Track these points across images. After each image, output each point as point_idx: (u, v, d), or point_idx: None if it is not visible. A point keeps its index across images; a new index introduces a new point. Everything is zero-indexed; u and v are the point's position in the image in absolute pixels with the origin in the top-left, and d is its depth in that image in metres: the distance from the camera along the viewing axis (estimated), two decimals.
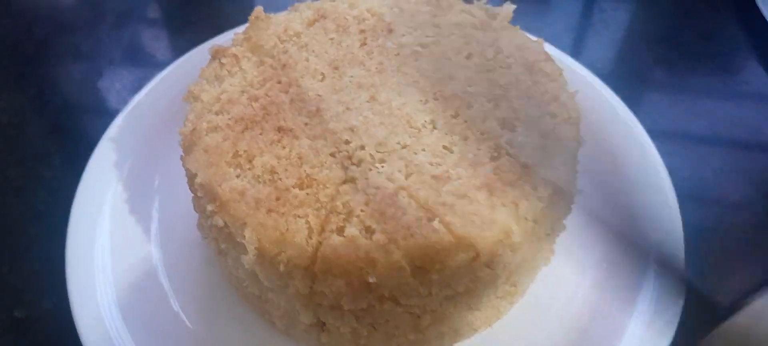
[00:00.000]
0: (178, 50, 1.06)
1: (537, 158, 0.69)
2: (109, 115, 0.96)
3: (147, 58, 1.27)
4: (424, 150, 0.70)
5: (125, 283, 0.81)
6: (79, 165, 0.90)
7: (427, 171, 0.68)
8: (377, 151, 0.70)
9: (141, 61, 1.27)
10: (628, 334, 0.77)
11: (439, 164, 0.68)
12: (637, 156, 0.91)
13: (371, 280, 0.62)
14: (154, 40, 1.32)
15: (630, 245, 0.84)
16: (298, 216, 0.65)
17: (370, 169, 0.69)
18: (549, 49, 0.96)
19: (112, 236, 0.85)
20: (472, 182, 0.66)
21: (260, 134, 0.72)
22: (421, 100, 0.75)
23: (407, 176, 0.68)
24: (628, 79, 1.24)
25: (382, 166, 0.69)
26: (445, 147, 0.70)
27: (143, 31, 1.34)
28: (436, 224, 0.63)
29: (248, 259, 0.65)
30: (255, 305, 0.78)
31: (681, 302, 0.77)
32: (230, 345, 0.79)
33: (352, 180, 0.68)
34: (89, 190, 0.87)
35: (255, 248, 0.64)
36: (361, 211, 0.65)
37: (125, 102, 0.99)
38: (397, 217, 0.64)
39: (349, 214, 0.65)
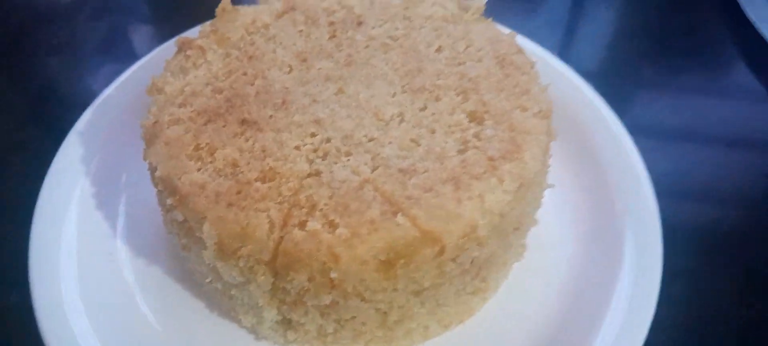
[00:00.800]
0: (157, 43, 1.03)
1: (504, 152, 0.67)
2: (80, 108, 0.94)
3: (124, 51, 1.25)
4: (391, 143, 0.69)
5: (91, 278, 0.79)
6: (48, 157, 0.88)
7: (394, 164, 0.66)
8: (343, 145, 0.69)
9: (117, 54, 1.25)
10: (602, 332, 0.75)
11: (406, 157, 0.67)
12: (613, 150, 0.90)
13: (334, 275, 0.61)
14: (133, 33, 1.30)
15: (605, 241, 0.82)
16: (260, 210, 0.63)
17: (336, 163, 0.67)
18: (526, 43, 0.96)
19: (79, 231, 0.83)
20: (439, 176, 0.65)
21: (223, 127, 0.70)
22: (389, 93, 0.74)
23: (373, 169, 0.66)
24: (614, 76, 1.23)
25: (348, 160, 0.67)
26: (412, 140, 0.69)
27: (122, 23, 1.32)
28: (400, 218, 0.61)
29: (208, 254, 0.64)
30: (221, 302, 0.77)
31: (654, 299, 0.76)
32: (195, 343, 0.77)
33: (316, 173, 0.67)
34: (55, 184, 0.85)
35: (214, 243, 0.63)
36: (325, 205, 0.64)
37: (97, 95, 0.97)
38: (362, 211, 0.63)
39: (313, 208, 0.64)
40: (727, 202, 1.03)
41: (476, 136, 0.69)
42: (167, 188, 0.67)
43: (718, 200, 1.03)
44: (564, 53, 1.19)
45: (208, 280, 0.71)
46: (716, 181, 1.06)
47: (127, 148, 0.88)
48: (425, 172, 0.65)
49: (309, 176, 0.67)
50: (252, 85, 0.75)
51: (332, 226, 0.62)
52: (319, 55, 0.78)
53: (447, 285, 0.67)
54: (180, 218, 0.66)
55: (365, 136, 0.69)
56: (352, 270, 0.60)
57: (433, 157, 0.67)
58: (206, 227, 0.63)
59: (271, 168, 0.66)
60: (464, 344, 0.78)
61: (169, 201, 0.66)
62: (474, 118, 0.71)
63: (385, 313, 0.67)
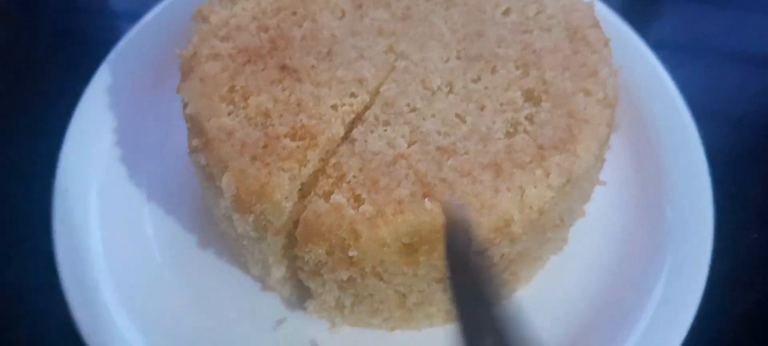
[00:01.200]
0: None
1: (557, 141, 0.61)
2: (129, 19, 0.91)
3: None
4: (433, 116, 0.63)
5: (112, 227, 0.77)
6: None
7: (433, 141, 0.61)
8: (383, 112, 0.64)
9: None
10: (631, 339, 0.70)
11: (448, 135, 0.62)
12: (680, 152, 0.81)
13: (352, 253, 0.57)
14: None
15: (649, 251, 0.76)
16: (283, 169, 0.60)
17: (372, 132, 0.63)
18: (604, 12, 0.88)
19: (107, 167, 0.81)
20: (480, 159, 0.60)
21: (262, 70, 0.66)
22: (442, 58, 0.68)
23: (410, 144, 0.61)
24: None
25: (385, 130, 0.63)
26: (457, 115, 0.63)
27: None
28: (428, 203, 0.57)
29: (224, 204, 0.61)
30: (233, 247, 0.75)
31: (693, 313, 0.70)
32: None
33: (350, 140, 0.62)
34: (86, 116, 0.82)
35: (232, 195, 0.60)
36: (353, 176, 0.60)
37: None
38: (390, 188, 0.58)
39: (340, 178, 0.60)
40: (736, 122, 0.99)
41: (529, 118, 0.63)
42: (195, 128, 0.64)
43: (728, 119, 1.00)
44: None
45: (223, 225, 0.68)
46: (727, 98, 1.02)
47: (165, 76, 0.83)
48: (465, 153, 0.60)
49: (342, 141, 0.63)
50: (300, 26, 0.70)
51: (358, 201, 0.58)
52: (376, 3, 0.73)
53: None
54: (203, 161, 0.63)
55: (408, 105, 0.64)
56: (371, 250, 0.57)
57: (477, 137, 0.61)
58: (226, 177, 0.60)
59: (303, 125, 0.62)
60: None
61: (194, 142, 0.64)
62: (530, 97, 0.65)
63: (404, 295, 0.64)
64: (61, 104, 0.83)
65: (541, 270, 0.76)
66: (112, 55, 0.86)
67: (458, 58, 0.68)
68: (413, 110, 0.64)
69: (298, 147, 0.61)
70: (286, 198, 0.59)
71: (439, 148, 0.60)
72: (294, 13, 0.71)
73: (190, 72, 0.67)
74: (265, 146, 0.61)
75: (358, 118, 0.65)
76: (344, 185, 0.59)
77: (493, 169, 0.59)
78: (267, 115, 0.63)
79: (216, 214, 0.70)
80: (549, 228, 0.63)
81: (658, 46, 0.90)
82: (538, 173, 0.59)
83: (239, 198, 0.59)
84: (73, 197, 0.76)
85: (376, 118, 0.64)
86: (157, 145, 0.83)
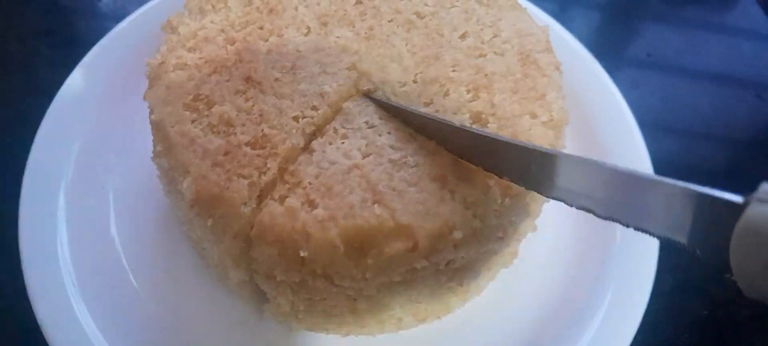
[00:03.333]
0: None
1: None
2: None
3: None
4: (389, 133, 0.67)
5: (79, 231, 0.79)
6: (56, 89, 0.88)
7: (387, 154, 0.65)
8: (342, 126, 0.68)
9: None
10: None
11: (400, 149, 0.66)
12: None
13: (303, 254, 0.61)
14: None
15: (597, 262, 0.80)
16: (242, 176, 0.63)
17: (331, 143, 0.66)
18: (562, 34, 0.92)
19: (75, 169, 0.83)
20: (428, 171, 0.64)
21: (227, 81, 0.69)
22: (399, 81, 0.72)
23: (365, 156, 0.65)
24: (625, 8, 1.27)
25: (343, 143, 0.66)
26: (410, 134, 0.67)
27: None
28: (377, 208, 0.61)
29: (184, 208, 0.64)
30: (194, 248, 0.78)
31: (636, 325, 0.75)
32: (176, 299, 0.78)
33: (309, 150, 0.66)
34: (56, 118, 0.85)
35: (192, 199, 0.63)
36: (309, 183, 0.63)
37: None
38: (343, 195, 0.62)
39: (297, 184, 0.63)
40: (715, 139, 1.06)
41: None
42: (159, 134, 0.67)
43: (706, 136, 1.07)
44: None
45: (185, 227, 0.71)
46: (707, 117, 1.09)
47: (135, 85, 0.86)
48: (415, 166, 0.64)
49: (302, 151, 0.66)
50: (266, 41, 0.73)
51: (311, 205, 0.62)
52: (340, 22, 0.76)
53: (420, 283, 0.66)
54: (166, 165, 0.66)
55: (366, 122, 0.68)
56: (322, 252, 0.60)
57: (427, 152, 0.65)
58: (187, 181, 0.63)
59: (264, 134, 0.65)
60: (440, 339, 0.77)
61: (158, 147, 0.67)
62: (478, 119, 0.69)
63: (354, 300, 0.67)
64: (33, 105, 0.85)
65: (492, 283, 0.80)
66: (87, 59, 0.89)
67: (415, 81, 0.71)
68: (371, 127, 0.67)
69: (258, 155, 0.64)
70: (245, 204, 0.62)
71: (391, 161, 0.64)
72: (261, 28, 0.74)
73: (158, 80, 0.70)
74: (226, 153, 0.64)
75: (319, 131, 0.68)
76: (300, 190, 0.63)
77: (440, 181, 0.63)
78: (230, 123, 0.66)
79: (179, 216, 0.73)
80: (492, 239, 0.67)
81: (623, 64, 0.94)
82: (481, 185, 0.63)
83: (199, 202, 0.62)
84: (40, 197, 0.78)
85: (336, 131, 0.67)
86: (126, 149, 0.85)
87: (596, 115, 0.92)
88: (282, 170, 0.65)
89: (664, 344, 0.84)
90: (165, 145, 0.66)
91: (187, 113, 0.67)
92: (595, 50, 0.98)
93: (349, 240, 0.60)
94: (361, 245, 0.61)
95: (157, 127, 0.67)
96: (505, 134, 0.67)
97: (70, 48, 1.04)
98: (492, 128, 0.67)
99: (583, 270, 0.81)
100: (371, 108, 0.70)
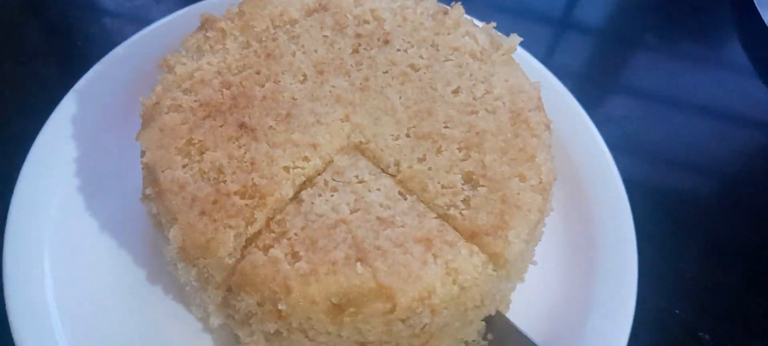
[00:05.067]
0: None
1: (489, 227, 0.66)
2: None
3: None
4: (378, 190, 0.68)
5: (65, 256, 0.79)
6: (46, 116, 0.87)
7: (375, 211, 0.66)
8: (332, 179, 0.68)
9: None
10: None
11: (389, 208, 0.66)
12: (611, 228, 0.87)
13: (282, 307, 0.61)
14: None
15: (574, 325, 0.81)
16: (229, 226, 0.63)
17: (320, 195, 0.67)
18: (554, 85, 0.93)
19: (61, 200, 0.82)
20: (414, 233, 0.64)
21: (221, 127, 0.70)
22: (392, 135, 0.72)
23: (353, 212, 0.66)
24: (618, 40, 1.31)
25: (332, 195, 0.67)
26: (400, 193, 0.68)
27: None
28: (360, 266, 0.61)
29: (171, 253, 0.64)
30: (178, 287, 0.78)
31: None
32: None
33: (298, 200, 0.66)
34: (46, 146, 0.84)
35: (178, 246, 0.63)
36: (295, 234, 0.64)
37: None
38: (327, 249, 0.62)
39: (282, 234, 0.64)
40: (699, 172, 1.10)
41: (466, 201, 0.68)
42: (150, 177, 0.67)
43: (692, 168, 1.10)
44: (571, 12, 1.31)
45: (170, 267, 0.71)
46: (694, 150, 1.12)
47: (128, 114, 0.86)
48: (402, 226, 0.65)
49: (291, 200, 0.66)
50: (262, 86, 0.74)
51: (295, 257, 0.62)
52: (336, 71, 0.77)
53: (393, 344, 0.66)
54: (154, 210, 0.66)
55: (356, 176, 0.69)
56: (300, 306, 0.60)
57: (415, 213, 0.66)
58: (174, 230, 0.63)
59: (254, 184, 0.66)
60: None
61: (148, 190, 0.67)
62: (469, 180, 0.69)
63: None
64: (26, 127, 0.85)
65: None
66: (79, 84, 0.89)
67: (408, 136, 0.72)
68: (361, 182, 0.68)
69: (247, 205, 0.65)
70: (229, 255, 0.62)
71: (378, 219, 0.65)
72: (258, 73, 0.75)
73: (151, 121, 0.70)
74: (214, 202, 0.64)
75: (309, 182, 0.69)
76: (285, 240, 0.63)
77: (425, 244, 0.63)
78: (220, 171, 0.66)
79: (165, 255, 0.73)
80: (470, 307, 0.66)
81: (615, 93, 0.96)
82: (464, 252, 0.64)
83: (185, 251, 0.63)
84: (26, 225, 0.77)
85: (326, 183, 0.68)
86: (115, 178, 0.85)
87: (583, 168, 0.93)
88: (269, 219, 0.65)
89: None
90: (155, 190, 0.66)
91: (179, 158, 0.67)
92: (587, 81, 1.00)
93: (329, 297, 0.61)
94: (340, 303, 0.61)
95: (148, 170, 0.68)
96: (495, 197, 0.67)
97: (67, 69, 1.05)
98: (483, 191, 0.68)
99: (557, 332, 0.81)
100: (362, 162, 0.70)
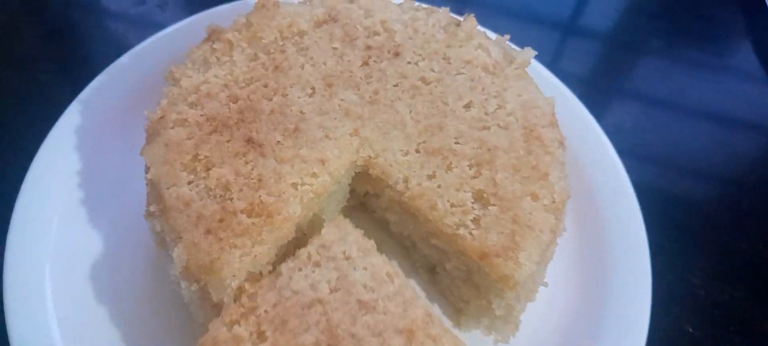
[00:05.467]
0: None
1: (500, 248, 0.64)
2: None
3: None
4: (365, 269, 0.63)
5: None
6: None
7: (356, 293, 0.61)
8: (317, 253, 0.64)
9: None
10: None
11: (373, 290, 0.62)
12: (625, 246, 0.84)
13: None
14: None
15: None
16: (235, 246, 0.62)
17: (300, 269, 0.62)
18: (567, 98, 0.92)
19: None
20: (396, 322, 0.60)
21: (228, 142, 0.68)
22: (402, 150, 0.71)
23: (332, 291, 0.61)
24: (626, 45, 1.28)
25: (314, 271, 0.63)
26: (387, 275, 0.64)
27: None
28: None
29: (174, 272, 0.63)
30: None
31: None
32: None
33: (276, 273, 0.62)
34: (48, 157, 0.83)
35: (182, 267, 0.62)
36: (265, 311, 0.59)
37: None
38: (297, 332, 0.58)
39: (252, 309, 0.60)
40: (708, 180, 1.08)
41: (476, 221, 0.66)
42: (154, 193, 0.66)
43: (700, 176, 1.08)
44: (579, 17, 1.29)
45: (173, 284, 0.70)
46: (700, 155, 1.10)
47: (132, 125, 0.84)
48: (384, 313, 0.60)
49: (268, 274, 0.63)
50: (269, 100, 0.72)
51: (260, 337, 0.58)
52: (346, 84, 0.75)
53: None
54: (158, 227, 0.65)
55: (343, 252, 0.64)
56: None
57: (401, 299, 0.61)
58: (179, 249, 0.62)
59: (261, 202, 0.64)
60: None
61: (152, 207, 0.66)
62: (480, 198, 0.68)
63: None
64: (27, 135, 0.84)
65: None
66: (83, 95, 0.88)
67: (417, 151, 0.71)
68: (347, 259, 0.64)
69: (254, 224, 0.63)
70: (234, 276, 0.61)
71: (359, 302, 0.61)
72: (265, 86, 0.73)
73: (156, 135, 0.69)
74: (220, 220, 0.63)
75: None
76: (253, 317, 0.59)
77: (406, 335, 0.59)
78: (227, 188, 0.65)
79: (169, 272, 0.71)
80: None
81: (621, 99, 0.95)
82: None
83: (188, 270, 0.61)
84: (28, 237, 0.76)
85: (309, 257, 0.64)
86: (119, 191, 0.83)
87: (596, 183, 0.91)
88: (240, 291, 0.62)
89: None
90: (159, 207, 0.65)
91: (184, 175, 0.66)
92: (593, 86, 0.98)
93: None
94: None
95: (153, 187, 0.66)
96: (506, 217, 0.66)
97: (69, 76, 1.03)
98: (494, 210, 0.66)
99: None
100: (352, 237, 0.66)
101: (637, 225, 0.85)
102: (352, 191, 0.79)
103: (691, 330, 0.90)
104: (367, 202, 0.82)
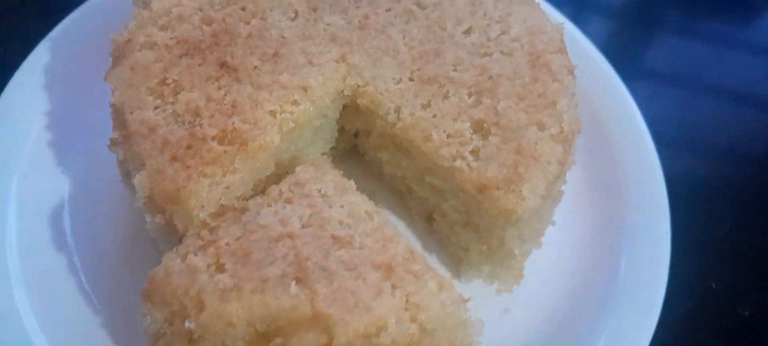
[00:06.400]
0: None
1: (501, 180, 0.57)
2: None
3: None
4: (342, 207, 0.57)
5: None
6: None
7: (330, 229, 0.54)
8: (290, 190, 0.58)
9: None
10: None
11: (349, 227, 0.55)
12: (641, 187, 0.78)
13: (189, 325, 0.50)
14: None
15: (602, 288, 0.72)
16: (204, 175, 0.55)
17: (269, 206, 0.56)
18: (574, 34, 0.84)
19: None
20: (373, 257, 0.53)
21: (199, 66, 0.62)
22: (393, 78, 0.64)
23: (304, 226, 0.54)
24: (641, 18, 1.18)
25: (284, 207, 0.56)
26: (366, 212, 0.57)
27: None
28: (295, 287, 0.50)
29: (137, 203, 0.57)
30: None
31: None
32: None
33: (241, 209, 0.56)
34: (17, 95, 0.77)
35: (145, 196, 0.55)
36: (226, 244, 0.53)
37: None
38: (261, 264, 0.51)
39: (212, 242, 0.53)
40: (731, 156, 1.00)
41: (474, 152, 0.60)
42: (118, 119, 0.60)
43: (716, 153, 1.00)
44: None
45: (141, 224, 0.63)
46: (717, 133, 1.02)
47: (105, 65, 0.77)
48: (360, 248, 0.53)
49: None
50: (247, 23, 0.66)
51: (219, 269, 0.51)
52: (332, 7, 0.68)
53: None
54: (121, 155, 0.59)
55: (319, 190, 0.58)
56: (213, 327, 0.49)
57: (380, 236, 0.55)
58: (140, 176, 0.55)
59: (235, 129, 0.58)
60: None
61: (115, 134, 0.59)
62: (479, 128, 0.61)
63: None
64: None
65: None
66: (54, 33, 0.82)
67: (411, 79, 0.64)
68: (323, 196, 0.57)
69: (225, 152, 0.57)
70: (202, 206, 0.55)
71: (333, 237, 0.54)
72: (243, 9, 0.67)
73: (122, 59, 0.63)
74: (188, 147, 0.56)
75: (299, 127, 0.61)
76: (211, 249, 0.52)
77: (384, 270, 0.52)
78: (197, 113, 0.59)
79: (135, 211, 0.65)
80: None
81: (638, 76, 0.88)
82: (432, 285, 0.52)
83: (152, 200, 0.55)
84: None
85: (280, 193, 0.57)
86: (88, 132, 0.76)
87: (608, 123, 0.83)
88: (202, 224, 0.55)
89: None
90: (122, 133, 0.59)
91: (150, 99, 0.59)
92: (610, 60, 0.90)
93: (251, 320, 0.49)
94: (265, 331, 0.49)
95: (116, 112, 0.60)
96: (508, 147, 0.59)
97: (45, 20, 0.97)
98: (495, 140, 0.60)
99: (586, 296, 0.73)
100: (330, 176, 0.59)
101: (653, 166, 0.78)
102: (341, 130, 0.73)
103: (714, 285, 0.83)
104: (358, 143, 0.75)
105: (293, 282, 0.50)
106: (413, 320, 0.50)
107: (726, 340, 0.81)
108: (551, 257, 0.74)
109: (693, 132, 1.02)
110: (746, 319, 0.81)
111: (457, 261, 0.73)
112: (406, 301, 0.51)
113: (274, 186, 0.58)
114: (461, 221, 0.68)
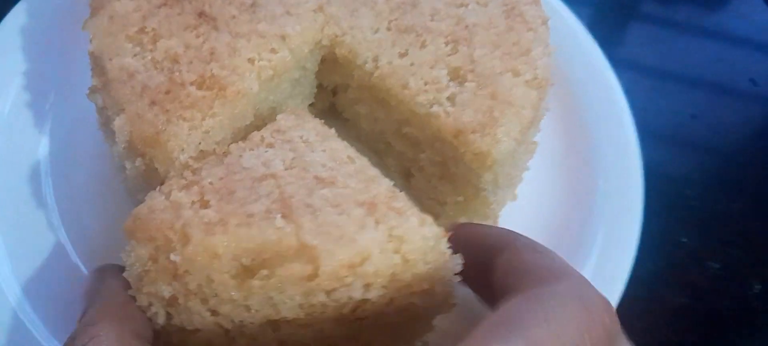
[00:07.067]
0: None
1: (476, 124, 0.59)
2: None
3: None
4: (324, 152, 0.57)
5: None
6: None
7: (314, 170, 0.54)
8: (272, 136, 0.57)
9: None
10: None
11: (332, 169, 0.55)
12: (612, 137, 0.80)
13: (174, 258, 0.49)
14: None
15: (575, 240, 0.73)
16: (183, 118, 0.56)
17: (251, 150, 0.56)
18: None
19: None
20: (356, 196, 0.53)
21: (178, 15, 0.62)
22: (371, 28, 0.65)
23: (288, 168, 0.54)
24: (615, 6, 1.19)
25: (266, 151, 0.56)
26: (349, 157, 0.57)
27: None
28: (280, 220, 0.50)
29: (118, 150, 0.57)
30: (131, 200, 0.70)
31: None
32: None
33: (223, 153, 0.57)
34: None
35: (125, 140, 0.56)
36: (210, 183, 0.52)
37: None
38: (245, 201, 0.51)
39: (195, 182, 0.53)
40: (703, 146, 1.01)
41: (451, 98, 0.61)
42: (97, 67, 0.60)
43: (693, 143, 1.01)
44: None
45: (120, 177, 0.64)
46: (692, 125, 1.03)
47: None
48: (344, 187, 0.53)
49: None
50: None
51: (203, 205, 0.51)
52: None
53: (314, 323, 0.53)
54: (100, 102, 0.59)
55: (300, 136, 0.58)
56: (199, 260, 0.49)
57: (362, 177, 0.55)
58: (120, 119, 0.56)
59: (213, 75, 0.58)
60: None
61: (94, 81, 0.60)
62: (456, 76, 0.62)
63: (233, 339, 0.54)
64: None
65: None
66: None
67: (388, 29, 0.65)
68: (305, 142, 0.57)
69: (204, 97, 0.57)
70: (182, 150, 0.55)
71: (317, 178, 0.54)
72: None
73: (101, 9, 0.63)
74: (167, 92, 0.57)
75: (277, 76, 0.61)
76: (195, 188, 0.52)
77: (367, 207, 0.52)
78: (175, 60, 0.59)
79: (115, 163, 0.65)
80: (416, 291, 0.53)
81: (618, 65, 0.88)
82: (414, 220, 0.52)
83: (133, 143, 0.55)
84: None
85: (262, 139, 0.57)
86: (69, 92, 0.76)
87: (580, 79, 0.85)
88: (184, 166, 0.55)
89: (643, 332, 0.78)
90: (102, 80, 0.59)
91: (129, 46, 0.60)
92: None
93: (236, 253, 0.49)
94: (250, 263, 0.49)
95: (95, 60, 0.60)
96: (484, 93, 0.60)
97: None
98: (471, 87, 0.61)
99: (560, 247, 0.74)
100: (311, 123, 0.60)
101: (625, 120, 0.80)
102: (319, 86, 0.73)
103: (685, 240, 0.85)
104: (337, 101, 0.76)
105: (278, 216, 0.50)
106: (396, 251, 0.50)
107: (694, 292, 0.84)
108: (525, 209, 0.75)
109: (663, 119, 1.03)
110: (715, 270, 0.83)
111: (435, 217, 0.72)
112: (389, 234, 0.51)
113: (255, 132, 0.58)
114: (438, 174, 0.69)
